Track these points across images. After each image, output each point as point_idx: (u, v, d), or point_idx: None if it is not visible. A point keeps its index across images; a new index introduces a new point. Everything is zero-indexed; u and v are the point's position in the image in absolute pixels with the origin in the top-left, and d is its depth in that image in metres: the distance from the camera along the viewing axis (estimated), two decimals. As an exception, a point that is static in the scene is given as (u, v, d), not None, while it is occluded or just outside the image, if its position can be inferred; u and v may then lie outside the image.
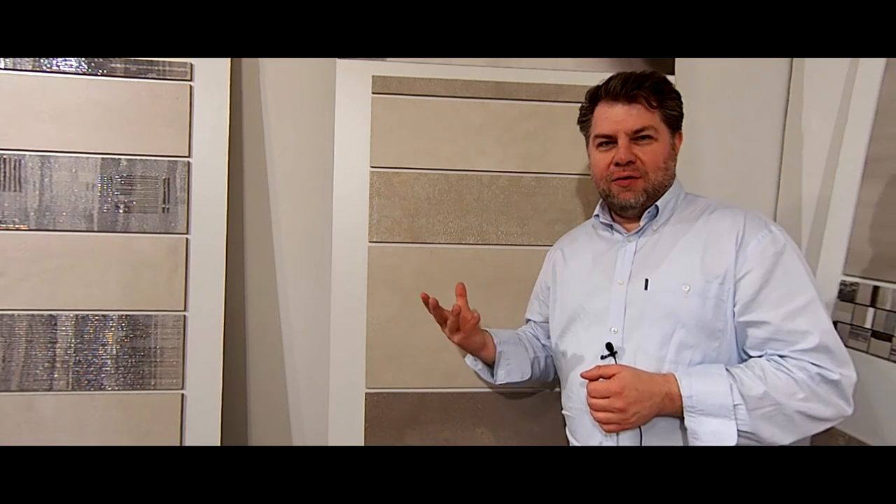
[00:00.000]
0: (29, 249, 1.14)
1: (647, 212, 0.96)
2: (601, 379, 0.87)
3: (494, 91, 1.26)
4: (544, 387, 1.25)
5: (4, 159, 1.13)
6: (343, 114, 1.23)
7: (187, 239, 1.18)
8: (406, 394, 1.23)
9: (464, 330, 0.99)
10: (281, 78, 1.30)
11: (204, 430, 1.18)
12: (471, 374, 1.24)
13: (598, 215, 1.04)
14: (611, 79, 0.95)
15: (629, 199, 0.95)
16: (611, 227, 1.01)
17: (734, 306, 0.87)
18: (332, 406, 1.22)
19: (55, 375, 1.14)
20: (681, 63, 1.28)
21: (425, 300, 0.95)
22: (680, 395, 0.83)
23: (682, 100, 0.96)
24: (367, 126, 1.24)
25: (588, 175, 1.27)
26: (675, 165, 0.97)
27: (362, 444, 1.22)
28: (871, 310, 1.06)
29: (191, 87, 1.19)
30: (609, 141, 0.95)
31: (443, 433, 1.24)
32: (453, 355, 1.24)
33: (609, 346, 0.91)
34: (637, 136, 0.93)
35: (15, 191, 1.14)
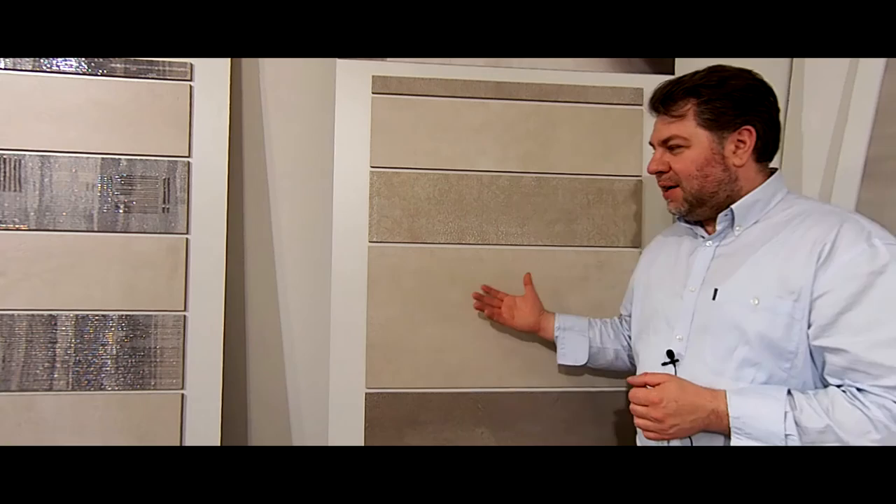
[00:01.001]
0: (29, 249, 1.14)
1: (721, 215, 0.90)
2: (647, 386, 0.85)
3: (494, 91, 1.26)
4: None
5: (4, 159, 1.13)
6: (343, 114, 1.23)
7: (187, 239, 1.18)
8: (406, 394, 1.23)
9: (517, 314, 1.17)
10: (281, 78, 1.30)
11: (204, 430, 1.18)
12: (471, 374, 1.24)
13: (680, 217, 0.98)
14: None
15: (671, 209, 0.95)
16: (692, 229, 0.97)
17: (809, 328, 0.79)
18: (332, 406, 1.22)
19: (55, 375, 1.14)
20: (681, 63, 1.28)
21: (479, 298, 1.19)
22: (727, 414, 0.78)
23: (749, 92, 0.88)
24: (367, 126, 1.24)
25: (588, 175, 1.27)
26: (723, 169, 0.88)
27: (362, 444, 1.21)
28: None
29: (191, 87, 1.19)
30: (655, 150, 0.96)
31: (443, 433, 1.24)
32: (453, 355, 1.24)
33: (670, 353, 0.89)
34: (669, 146, 0.91)
35: (15, 191, 1.14)
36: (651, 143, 0.96)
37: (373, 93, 1.24)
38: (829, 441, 0.73)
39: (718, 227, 0.91)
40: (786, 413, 0.75)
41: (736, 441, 0.78)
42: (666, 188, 0.94)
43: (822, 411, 0.74)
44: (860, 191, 1.11)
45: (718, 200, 0.90)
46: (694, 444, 0.85)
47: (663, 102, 0.91)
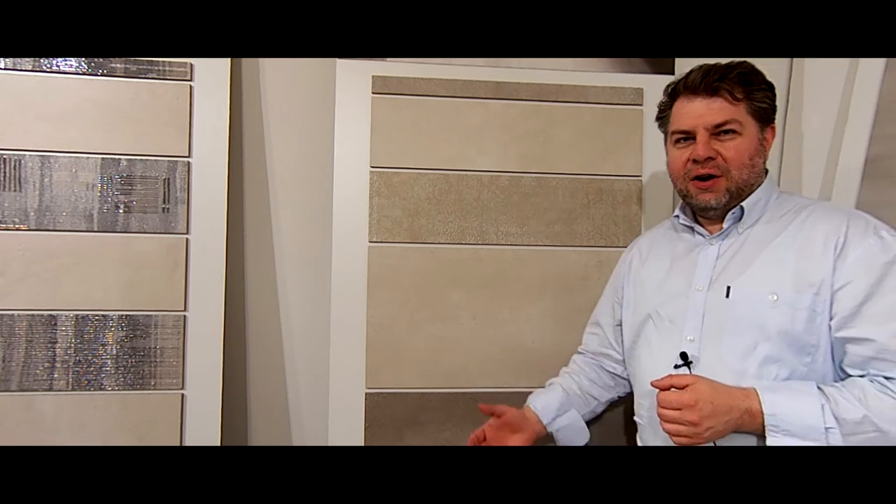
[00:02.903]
0: (29, 249, 1.14)
1: (730, 213, 0.89)
2: (673, 389, 0.80)
3: (494, 91, 1.26)
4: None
5: (4, 159, 1.13)
6: (343, 114, 1.23)
7: (187, 239, 1.18)
8: (406, 394, 1.23)
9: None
10: (281, 78, 1.30)
11: (204, 430, 1.18)
12: (471, 374, 1.24)
13: (678, 216, 0.97)
14: (691, 71, 0.89)
15: (709, 201, 0.88)
16: (692, 228, 0.95)
17: (831, 320, 0.79)
18: (332, 406, 1.22)
19: (55, 375, 1.14)
20: (681, 63, 1.28)
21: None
22: (762, 412, 0.76)
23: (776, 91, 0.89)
24: (367, 126, 1.24)
25: (588, 175, 1.27)
26: (764, 162, 0.89)
27: (362, 444, 1.21)
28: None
29: (191, 87, 1.19)
30: (687, 137, 0.89)
31: (443, 433, 1.24)
32: (453, 355, 1.24)
33: (683, 355, 0.85)
34: (719, 131, 0.86)
35: (15, 191, 1.14)
36: (685, 130, 0.89)
37: (373, 93, 1.24)
38: (868, 431, 0.72)
39: (725, 225, 0.90)
40: (822, 406, 0.74)
41: (772, 440, 0.75)
42: (706, 178, 0.87)
43: (856, 402, 0.73)
44: (860, 191, 1.11)
45: (748, 194, 0.88)
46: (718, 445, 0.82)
47: (722, 81, 0.85)
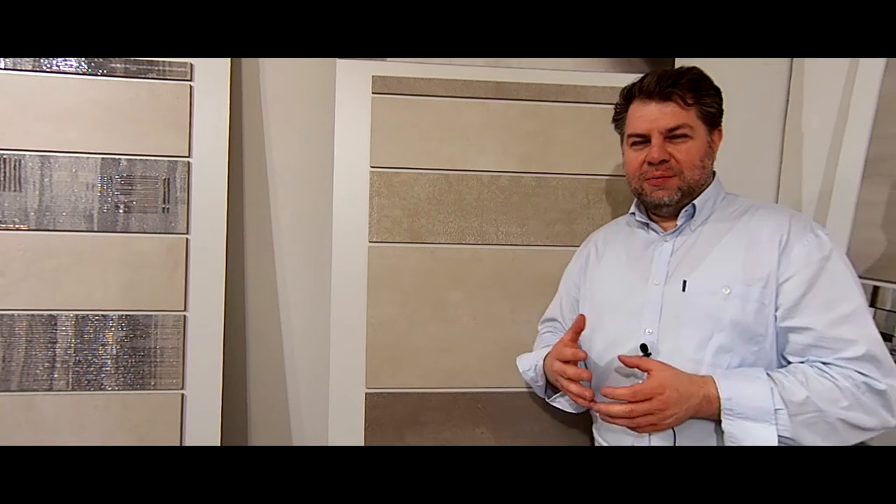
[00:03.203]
0: (29, 249, 1.14)
1: (683, 210, 0.94)
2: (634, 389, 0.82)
3: (494, 91, 1.26)
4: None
5: (4, 159, 1.13)
6: (343, 114, 1.23)
7: (187, 239, 1.18)
8: (406, 394, 1.23)
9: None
10: (281, 78, 1.30)
11: (204, 430, 1.18)
12: (471, 374, 1.24)
13: (633, 213, 1.02)
14: (645, 76, 0.93)
15: (662, 198, 0.92)
16: (647, 225, 0.99)
17: (776, 310, 0.85)
18: (332, 406, 1.22)
19: (55, 375, 1.14)
20: (681, 63, 1.28)
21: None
22: (718, 398, 0.81)
23: (722, 96, 0.94)
24: (367, 126, 1.24)
25: (588, 175, 1.27)
26: (712, 163, 0.95)
27: (362, 444, 1.21)
28: (871, 310, 1.06)
29: (191, 87, 1.19)
30: (643, 140, 0.93)
31: (443, 433, 1.24)
32: (453, 355, 1.24)
33: (643, 347, 0.89)
34: (672, 135, 0.91)
35: (15, 191, 1.14)
36: (640, 134, 0.93)
37: (373, 93, 1.24)
38: (809, 411, 0.78)
39: (679, 222, 0.95)
40: (772, 389, 0.80)
41: (726, 422, 0.80)
42: (659, 177, 0.92)
43: (799, 385, 0.80)
44: (860, 191, 1.11)
45: (699, 194, 0.94)
46: (678, 440, 0.86)
47: (674, 86, 0.90)
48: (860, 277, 1.08)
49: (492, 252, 1.26)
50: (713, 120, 0.93)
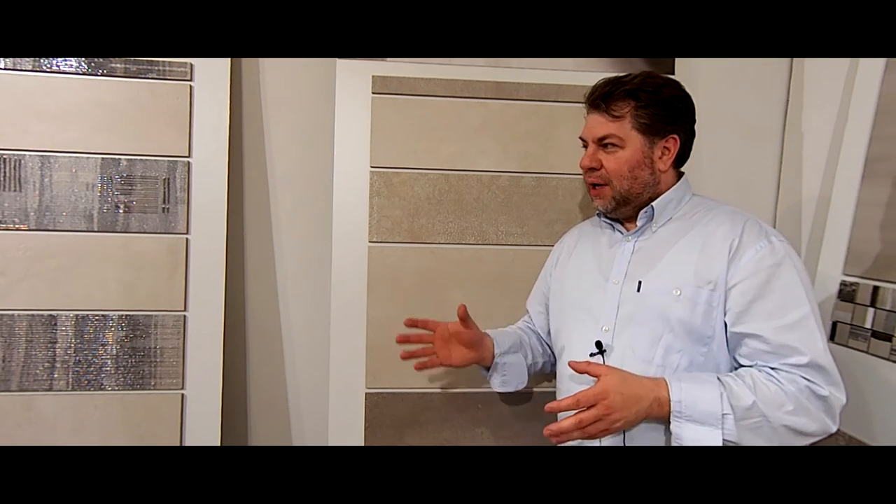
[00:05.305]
0: (29, 249, 1.14)
1: (642, 212, 0.95)
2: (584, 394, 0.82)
3: (494, 91, 1.26)
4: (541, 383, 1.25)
5: (4, 159, 1.13)
6: (343, 114, 1.23)
7: (187, 239, 1.18)
8: (406, 394, 1.23)
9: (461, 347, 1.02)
10: (281, 78, 1.30)
11: (204, 430, 1.18)
12: (471, 375, 1.24)
13: (600, 213, 1.03)
14: (596, 83, 0.96)
15: (598, 205, 0.97)
16: (612, 226, 1.01)
17: (725, 315, 0.86)
18: (332, 406, 1.22)
19: (55, 375, 1.14)
20: (681, 63, 1.28)
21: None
22: (669, 401, 0.81)
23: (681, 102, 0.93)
24: (367, 126, 1.24)
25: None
26: (651, 172, 0.93)
27: (362, 444, 1.22)
28: (871, 310, 1.06)
29: (191, 87, 1.19)
30: (586, 145, 0.97)
31: (443, 433, 1.24)
32: (453, 355, 1.24)
33: (598, 343, 0.91)
34: (602, 144, 0.93)
35: (15, 191, 1.14)
36: (582, 139, 0.97)
37: (373, 93, 1.24)
38: (755, 416, 0.79)
39: (639, 223, 0.96)
40: (721, 394, 0.80)
41: (674, 424, 0.81)
42: (594, 185, 0.96)
43: (747, 390, 0.81)
44: (860, 191, 1.11)
45: (642, 201, 0.95)
46: (628, 439, 0.87)
47: (604, 100, 0.92)
48: (860, 277, 1.09)
49: (492, 252, 1.26)
50: (652, 130, 0.92)
